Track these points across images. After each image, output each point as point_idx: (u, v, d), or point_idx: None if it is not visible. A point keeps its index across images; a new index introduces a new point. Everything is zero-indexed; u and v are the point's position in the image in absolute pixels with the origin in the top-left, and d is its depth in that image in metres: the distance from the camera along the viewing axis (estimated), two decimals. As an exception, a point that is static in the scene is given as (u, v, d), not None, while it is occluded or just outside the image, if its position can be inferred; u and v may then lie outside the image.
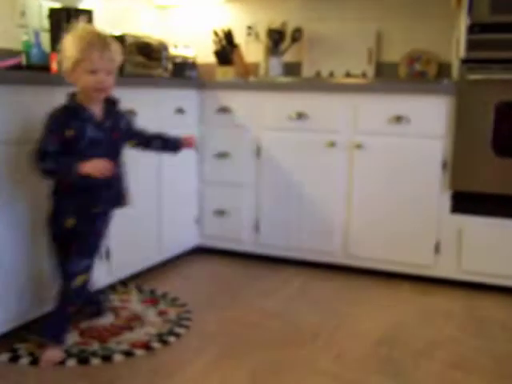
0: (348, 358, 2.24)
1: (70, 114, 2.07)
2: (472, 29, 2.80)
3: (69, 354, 2.19)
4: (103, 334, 2.39)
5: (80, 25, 2.11)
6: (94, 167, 2.04)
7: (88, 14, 3.13)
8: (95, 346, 2.28)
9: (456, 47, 3.08)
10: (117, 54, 2.09)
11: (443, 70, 3.55)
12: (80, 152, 2.07)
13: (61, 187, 2.18)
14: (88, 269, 2.21)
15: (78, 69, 2.02)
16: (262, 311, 2.70)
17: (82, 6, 3.20)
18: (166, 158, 3.10)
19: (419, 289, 3.03)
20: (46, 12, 3.09)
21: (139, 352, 2.25)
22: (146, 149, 2.43)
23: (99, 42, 2.03)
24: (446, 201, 2.98)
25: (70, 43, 2.03)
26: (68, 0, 3.22)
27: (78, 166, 2.03)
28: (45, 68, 2.89)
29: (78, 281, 2.16)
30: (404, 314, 2.69)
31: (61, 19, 3.02)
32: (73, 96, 2.10)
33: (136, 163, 2.90)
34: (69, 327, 2.26)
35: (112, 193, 2.25)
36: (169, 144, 2.45)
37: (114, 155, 2.20)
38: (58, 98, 2.38)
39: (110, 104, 2.19)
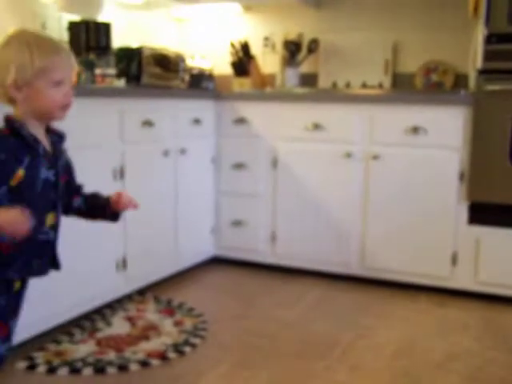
0: (364, 370, 2.23)
1: (21, 146, 1.46)
2: (489, 39, 2.79)
3: (85, 364, 2.21)
4: (119, 344, 2.40)
5: (20, 28, 1.52)
6: (9, 220, 1.37)
7: (106, 26, 3.17)
8: (111, 355, 2.29)
9: (473, 58, 3.07)
10: (75, 61, 1.59)
11: (460, 80, 3.54)
12: (29, 202, 1.47)
13: None
14: None
15: (38, 81, 1.46)
16: (278, 322, 2.69)
17: (100, 19, 3.24)
18: (183, 168, 3.12)
19: (436, 300, 3.01)
20: (65, 25, 3.13)
21: (155, 362, 2.25)
22: (68, 210, 1.70)
23: (60, 46, 1.54)
24: (463, 212, 2.97)
25: (22, 48, 1.45)
26: (87, 13, 3.26)
27: None
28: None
29: None
30: (421, 326, 2.68)
31: (80, 32, 3.07)
32: (14, 120, 1.48)
33: (152, 173, 2.93)
34: None
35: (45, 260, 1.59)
36: (98, 201, 1.74)
37: (61, 204, 1.62)
38: (75, 109, 2.42)
39: (57, 136, 1.62)
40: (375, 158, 3.07)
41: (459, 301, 3.00)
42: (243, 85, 3.83)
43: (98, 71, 2.96)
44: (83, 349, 2.34)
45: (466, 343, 2.49)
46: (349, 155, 3.12)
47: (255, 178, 3.39)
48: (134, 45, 3.21)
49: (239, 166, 3.40)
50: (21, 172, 1.44)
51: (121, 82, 3.09)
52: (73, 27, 3.10)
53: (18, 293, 1.56)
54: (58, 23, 3.18)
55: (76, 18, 3.15)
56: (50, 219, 1.55)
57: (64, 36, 3.13)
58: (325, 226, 3.23)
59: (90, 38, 3.09)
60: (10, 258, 1.48)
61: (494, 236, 2.92)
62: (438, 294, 3.07)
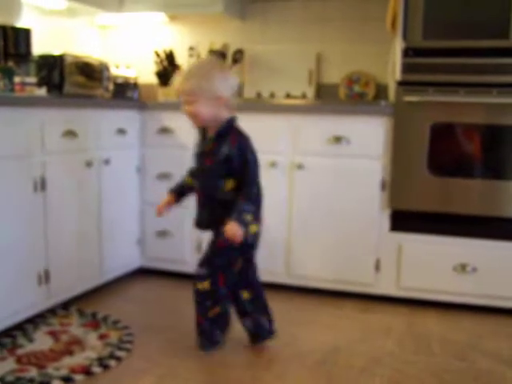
0: (291, 378, 2.25)
1: (202, 136, 2.44)
2: (406, 52, 2.89)
3: (4, 383, 2.13)
4: (42, 360, 2.33)
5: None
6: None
7: (26, 32, 3.08)
8: (33, 372, 2.22)
9: (392, 70, 3.17)
10: (191, 85, 2.25)
11: (381, 91, 3.64)
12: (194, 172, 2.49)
13: None
14: None
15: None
16: (205, 332, 2.68)
17: (19, 25, 3.15)
18: (106, 179, 3.08)
19: (360, 307, 3.07)
20: (-18, 31, 3.02)
21: (79, 377, 2.20)
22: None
23: (183, 77, 2.31)
24: (385, 219, 3.05)
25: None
26: (4, 18, 3.17)
27: (169, 190, 2.59)
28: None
29: None
30: (345, 332, 2.72)
31: (-3, 38, 2.98)
32: None
33: (75, 184, 2.87)
34: None
35: None
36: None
37: (204, 181, 2.37)
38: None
39: (220, 130, 2.33)
40: (299, 167, 3.11)
41: (383, 306, 3.07)
42: (168, 94, 3.80)
43: (17, 79, 2.87)
44: (2, 367, 2.25)
45: (388, 347, 2.55)
46: (273, 164, 3.15)
47: (181, 187, 3.37)
48: (56, 52, 3.14)
49: (164, 176, 3.38)
50: (194, 153, 2.46)
51: (42, 91, 3.01)
52: (-10, 33, 3.00)
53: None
54: (-26, 29, 3.07)
55: (-6, 23, 3.05)
56: (198, 186, 2.44)
57: (-19, 42, 3.03)
58: (251, 235, 3.24)
59: (8, 44, 2.99)
60: None
61: (414, 242, 3.02)
62: (363, 301, 3.14)
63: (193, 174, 2.48)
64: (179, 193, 2.54)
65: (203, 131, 2.39)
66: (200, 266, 2.40)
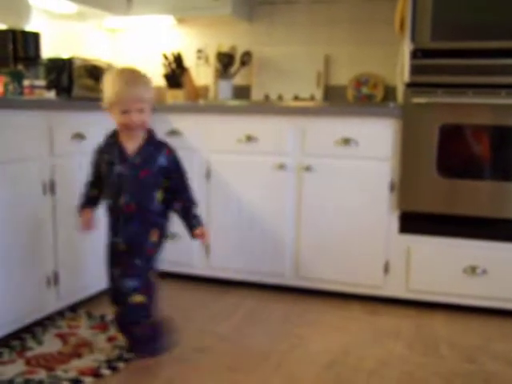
0: (299, 380, 2.24)
1: (104, 149, 2.31)
2: (415, 54, 2.88)
3: (14, 384, 2.14)
4: (50, 362, 2.33)
5: (119, 66, 2.36)
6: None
7: (35, 36, 3.10)
8: (42, 374, 2.22)
9: (401, 71, 3.16)
10: (147, 92, 2.22)
11: (390, 93, 3.64)
12: (108, 185, 2.28)
13: None
14: None
15: (113, 109, 2.20)
16: (213, 335, 2.68)
17: (28, 28, 3.17)
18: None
19: (369, 309, 3.06)
20: (-9, 34, 3.05)
21: (88, 379, 2.20)
22: (169, 206, 2.36)
23: (128, 84, 2.17)
24: (394, 221, 3.04)
25: (107, 84, 2.21)
26: (14, 21, 3.18)
27: (79, 207, 2.44)
28: (-10, 91, 2.85)
29: None
30: (354, 335, 2.72)
31: (6, 41, 2.99)
32: (114, 132, 2.32)
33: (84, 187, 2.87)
34: None
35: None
36: (186, 219, 2.35)
37: (137, 193, 2.26)
38: (2, 121, 2.35)
39: (151, 141, 2.30)
40: (307, 169, 3.11)
41: (391, 308, 3.06)
42: (176, 97, 3.81)
43: (26, 82, 2.89)
44: (11, 369, 2.26)
45: (398, 350, 2.54)
46: (281, 167, 3.15)
47: (189, 190, 3.37)
48: (65, 55, 3.16)
49: (173, 179, 3.38)
50: (104, 164, 2.29)
51: (51, 94, 3.03)
52: (-1, 37, 3.02)
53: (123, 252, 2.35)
54: (-17, 33, 3.09)
55: (2, 26, 3.07)
56: (121, 201, 2.28)
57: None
58: (259, 238, 3.25)
59: (17, 47, 3.01)
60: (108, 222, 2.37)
61: (424, 244, 3.00)
62: (371, 303, 3.13)
63: (114, 186, 2.27)
64: (92, 205, 2.43)
65: (115, 139, 2.29)
66: (130, 278, 2.29)
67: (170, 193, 2.32)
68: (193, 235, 2.34)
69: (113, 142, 2.27)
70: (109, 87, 2.18)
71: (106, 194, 2.32)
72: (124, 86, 2.16)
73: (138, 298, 2.29)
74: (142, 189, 2.25)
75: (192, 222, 2.32)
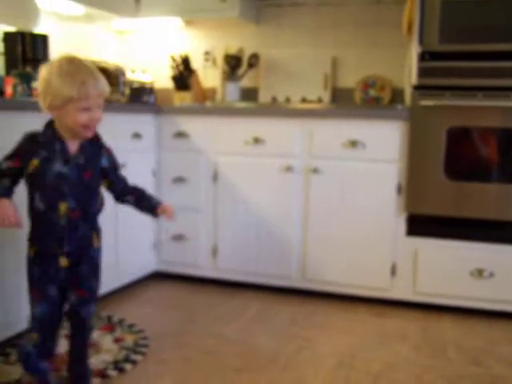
0: (306, 382, 2.24)
1: (41, 142, 1.89)
2: (422, 56, 2.88)
3: (21, 384, 2.14)
4: (57, 363, 2.33)
5: (62, 56, 1.86)
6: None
7: (44, 38, 3.11)
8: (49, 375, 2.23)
9: (408, 74, 3.16)
10: (106, 86, 1.90)
11: (397, 95, 3.63)
12: (44, 187, 1.88)
13: None
14: None
15: (69, 106, 1.81)
16: (220, 337, 2.68)
17: (37, 31, 3.18)
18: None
19: (376, 311, 3.06)
20: (0, 36, 3.06)
21: (95, 380, 2.21)
22: (118, 201, 2.14)
23: (91, 77, 1.82)
24: (401, 224, 3.03)
25: (59, 79, 1.78)
26: (23, 24, 3.20)
27: None
28: (-1, 92, 2.86)
29: None
30: (361, 337, 2.71)
31: (16, 43, 3.01)
32: (50, 124, 1.91)
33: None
34: None
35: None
36: (143, 204, 2.12)
37: (82, 197, 1.94)
38: (11, 122, 2.36)
39: (91, 139, 1.96)
40: (315, 171, 3.11)
41: (398, 311, 3.06)
42: (184, 99, 3.82)
43: (35, 84, 2.90)
44: (19, 370, 2.26)
45: (404, 352, 2.54)
46: (289, 169, 3.15)
47: (196, 192, 3.38)
48: (73, 57, 3.17)
49: (180, 180, 3.39)
50: (36, 162, 1.87)
51: (59, 95, 3.04)
52: (8, 38, 3.03)
53: (66, 268, 1.95)
54: (-8, 34, 3.11)
55: (12, 28, 3.08)
56: (62, 207, 1.90)
57: (-1, 48, 3.06)
58: (266, 240, 3.25)
59: (26, 49, 3.02)
60: (34, 234, 1.95)
61: (431, 247, 3.00)
62: (378, 305, 3.12)
63: (51, 188, 1.89)
64: (9, 197, 1.92)
65: (54, 134, 1.90)
66: (92, 303, 2.03)
67: (115, 192, 2.10)
68: (158, 213, 2.10)
69: (51, 136, 1.89)
70: (60, 81, 1.78)
71: (33, 196, 1.90)
72: (88, 78, 1.81)
73: (92, 323, 2.10)
74: (86, 192, 1.96)
75: (152, 203, 2.10)
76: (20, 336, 2.53)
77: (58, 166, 1.88)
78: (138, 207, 2.12)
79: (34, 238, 1.94)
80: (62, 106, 1.81)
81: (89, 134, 1.89)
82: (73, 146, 1.91)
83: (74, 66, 1.82)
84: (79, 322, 2.04)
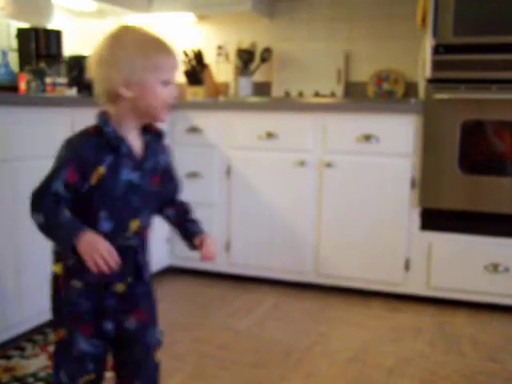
0: (320, 377, 2.24)
1: (104, 144, 1.44)
2: (437, 49, 2.85)
3: (36, 379, 2.16)
4: None
5: (126, 25, 1.50)
6: (93, 251, 1.36)
7: (57, 34, 3.13)
8: (64, 369, 2.24)
9: (422, 67, 3.14)
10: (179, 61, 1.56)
11: (411, 89, 3.61)
12: (112, 201, 1.46)
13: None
14: None
15: (150, 79, 1.42)
16: (234, 331, 2.69)
17: (50, 26, 3.19)
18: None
19: (390, 306, 3.05)
20: (14, 32, 3.08)
21: (108, 374, 2.21)
22: (159, 213, 1.68)
23: (168, 44, 1.51)
24: (415, 218, 3.02)
25: (136, 45, 1.43)
26: (37, 20, 3.21)
27: (77, 235, 1.37)
28: (13, 88, 2.88)
29: None
30: (375, 332, 2.71)
31: (29, 39, 3.02)
32: (105, 117, 1.47)
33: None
34: None
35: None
36: (181, 225, 1.70)
37: (153, 209, 1.61)
38: (26, 119, 2.38)
39: (153, 135, 1.57)
40: (328, 165, 3.10)
41: (412, 306, 3.05)
42: (196, 94, 3.82)
43: (48, 80, 2.91)
44: (35, 363, 2.29)
45: (418, 348, 2.53)
46: (302, 163, 3.14)
47: (209, 187, 3.38)
48: (86, 53, 3.17)
49: (193, 175, 3.39)
50: (102, 170, 1.42)
51: (72, 91, 3.05)
52: (22, 34, 3.05)
53: (123, 295, 1.55)
54: (6, 30, 3.13)
55: (25, 25, 3.09)
56: (134, 225, 1.52)
57: (12, 43, 3.08)
58: (279, 234, 3.25)
59: (39, 45, 3.04)
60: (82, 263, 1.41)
61: (445, 241, 2.98)
62: (392, 300, 3.11)
63: (121, 202, 1.48)
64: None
65: (113, 132, 1.46)
66: (154, 327, 1.66)
67: (162, 200, 1.65)
68: (195, 244, 1.68)
69: (113, 133, 1.45)
70: (139, 47, 1.43)
71: (96, 216, 1.46)
72: (167, 44, 1.50)
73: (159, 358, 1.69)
74: (153, 203, 1.60)
75: (193, 229, 1.68)
76: (35, 330, 2.55)
77: (127, 173, 1.47)
78: (175, 226, 1.70)
79: (82, 268, 1.41)
80: (140, 80, 1.41)
81: (165, 118, 1.51)
82: (136, 145, 1.50)
83: (146, 31, 1.50)
84: (143, 353, 1.62)
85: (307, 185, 3.17)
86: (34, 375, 2.18)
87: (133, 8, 3.71)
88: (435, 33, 2.85)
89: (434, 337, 2.66)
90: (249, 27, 3.96)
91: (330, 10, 3.77)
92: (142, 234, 1.56)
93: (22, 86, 2.83)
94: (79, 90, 3.09)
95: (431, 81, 2.91)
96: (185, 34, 4.13)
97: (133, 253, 1.54)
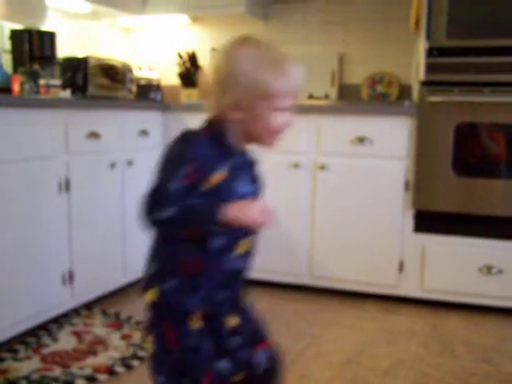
0: (314, 379, 2.24)
1: (221, 150, 1.34)
2: (430, 52, 2.86)
3: (29, 381, 2.15)
4: (66, 359, 2.34)
5: (242, 38, 1.36)
6: (245, 211, 1.25)
7: (51, 35, 3.12)
8: (57, 371, 2.24)
9: (416, 70, 3.15)
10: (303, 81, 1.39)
11: (404, 91, 3.62)
12: None
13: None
14: None
15: (263, 105, 1.30)
16: (228, 333, 2.68)
17: (44, 28, 3.19)
18: (130, 180, 3.09)
19: (384, 308, 3.05)
20: (7, 33, 3.06)
21: (102, 377, 2.21)
22: None
23: (298, 67, 1.34)
24: (408, 220, 3.02)
25: (257, 68, 1.27)
26: (30, 21, 3.20)
27: (219, 209, 1.24)
28: (6, 90, 2.87)
29: None
30: (369, 334, 2.71)
31: (23, 41, 3.01)
32: (220, 126, 1.35)
33: (99, 185, 2.89)
34: None
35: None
36: None
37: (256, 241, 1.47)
38: (19, 121, 2.37)
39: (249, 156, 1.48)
40: (322, 168, 3.10)
41: (406, 308, 3.05)
42: (191, 96, 3.82)
43: (42, 82, 2.90)
44: (27, 366, 2.28)
45: (412, 349, 2.53)
46: (296, 165, 3.14)
47: (204, 188, 3.37)
48: (80, 55, 3.17)
49: (187, 177, 3.38)
50: (220, 176, 1.30)
51: (66, 93, 3.04)
52: (15, 36, 3.04)
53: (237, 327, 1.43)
54: None
55: (19, 26, 3.08)
56: (242, 246, 1.39)
57: (6, 45, 3.06)
58: (273, 236, 3.24)
59: (33, 47, 3.03)
60: (194, 284, 1.31)
61: (439, 244, 2.99)
62: (386, 302, 3.12)
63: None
64: None
65: (228, 144, 1.37)
66: (276, 350, 1.58)
67: None
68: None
69: (230, 146, 1.36)
70: (261, 71, 1.27)
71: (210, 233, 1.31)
72: (295, 68, 1.33)
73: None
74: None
75: None
76: (28, 332, 2.54)
77: (243, 185, 1.37)
78: None
79: (187, 289, 1.32)
80: (252, 104, 1.29)
81: (274, 145, 1.41)
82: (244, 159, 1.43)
83: (275, 51, 1.32)
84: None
85: (301, 187, 3.17)
86: (26, 378, 2.17)
87: (127, 10, 3.71)
88: (429, 36, 2.86)
89: (428, 339, 2.66)
90: (243, 29, 3.95)
91: (325, 12, 3.78)
92: (251, 254, 1.46)
93: (16, 87, 2.82)
94: (73, 92, 3.08)
95: (425, 83, 2.91)
96: (179, 35, 4.13)
97: (240, 277, 1.44)
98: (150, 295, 1.34)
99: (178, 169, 1.28)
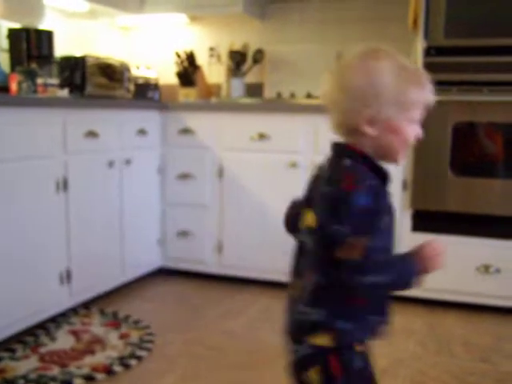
0: (311, 378, 2.24)
1: (381, 177, 1.28)
2: (428, 51, 2.86)
3: (27, 381, 2.15)
4: (63, 359, 2.34)
5: (380, 49, 1.32)
6: (433, 261, 1.29)
7: (49, 34, 3.11)
8: (55, 370, 2.23)
9: (414, 69, 3.14)
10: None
11: (402, 91, 3.61)
12: (389, 236, 1.36)
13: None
14: None
15: (401, 117, 1.25)
16: (226, 332, 2.68)
17: (42, 27, 3.18)
18: (128, 179, 3.09)
19: (381, 307, 3.05)
20: (5, 32, 3.06)
21: (100, 376, 2.21)
22: None
23: (426, 78, 1.29)
24: (406, 220, 3.02)
25: (386, 81, 1.22)
26: (28, 20, 3.20)
27: (417, 269, 1.25)
28: (4, 89, 2.86)
29: None
30: (367, 333, 2.71)
31: (20, 40, 3.01)
32: (364, 152, 1.28)
33: (97, 184, 2.89)
34: None
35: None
36: None
37: None
38: (17, 120, 2.37)
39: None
40: (320, 167, 3.10)
41: (403, 307, 3.05)
42: (189, 95, 3.82)
43: (39, 81, 2.90)
44: (25, 365, 2.27)
45: (410, 348, 2.53)
46: (294, 164, 3.14)
47: (201, 188, 3.38)
48: (78, 54, 3.16)
49: (185, 177, 3.39)
50: (387, 214, 1.27)
51: (64, 92, 3.04)
52: (13, 35, 3.03)
53: None
54: (-3, 31, 3.11)
55: (16, 25, 3.08)
56: None
57: (3, 43, 3.06)
58: (271, 235, 3.24)
59: (31, 46, 3.02)
60: (365, 317, 1.34)
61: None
62: (383, 301, 3.11)
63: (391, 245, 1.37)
64: None
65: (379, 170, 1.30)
66: None
67: None
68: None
69: (387, 175, 1.30)
70: (403, 82, 1.23)
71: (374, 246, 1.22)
72: (423, 81, 1.28)
73: None
74: None
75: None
76: (26, 332, 2.54)
77: (391, 215, 1.32)
78: None
79: (366, 332, 1.39)
80: (387, 119, 1.23)
81: (404, 159, 1.33)
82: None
83: (407, 62, 1.28)
84: None
85: (299, 186, 3.15)
86: (24, 377, 2.17)
87: (125, 9, 3.70)
88: (426, 35, 2.86)
89: (425, 338, 2.66)
90: (241, 29, 3.96)
91: (322, 12, 3.78)
92: None
93: (14, 86, 2.82)
94: (71, 91, 3.08)
95: (423, 83, 2.91)
96: (177, 35, 4.13)
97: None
98: (321, 340, 1.33)
99: (368, 228, 1.20)
